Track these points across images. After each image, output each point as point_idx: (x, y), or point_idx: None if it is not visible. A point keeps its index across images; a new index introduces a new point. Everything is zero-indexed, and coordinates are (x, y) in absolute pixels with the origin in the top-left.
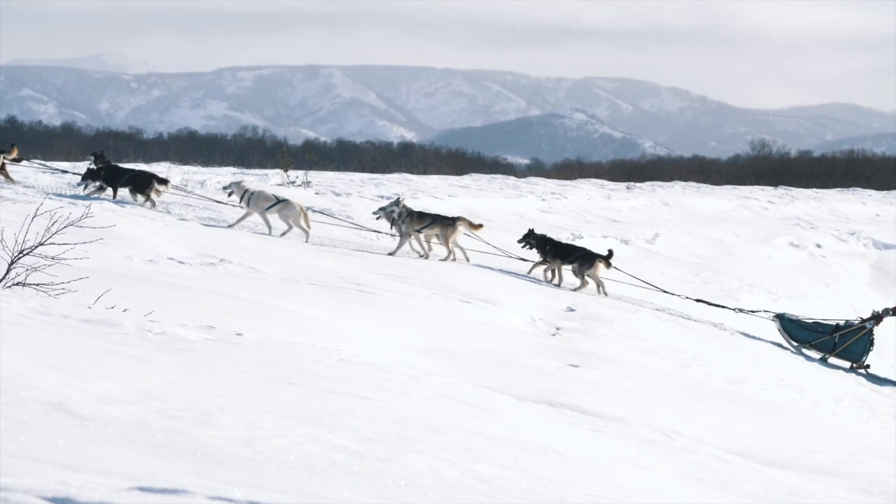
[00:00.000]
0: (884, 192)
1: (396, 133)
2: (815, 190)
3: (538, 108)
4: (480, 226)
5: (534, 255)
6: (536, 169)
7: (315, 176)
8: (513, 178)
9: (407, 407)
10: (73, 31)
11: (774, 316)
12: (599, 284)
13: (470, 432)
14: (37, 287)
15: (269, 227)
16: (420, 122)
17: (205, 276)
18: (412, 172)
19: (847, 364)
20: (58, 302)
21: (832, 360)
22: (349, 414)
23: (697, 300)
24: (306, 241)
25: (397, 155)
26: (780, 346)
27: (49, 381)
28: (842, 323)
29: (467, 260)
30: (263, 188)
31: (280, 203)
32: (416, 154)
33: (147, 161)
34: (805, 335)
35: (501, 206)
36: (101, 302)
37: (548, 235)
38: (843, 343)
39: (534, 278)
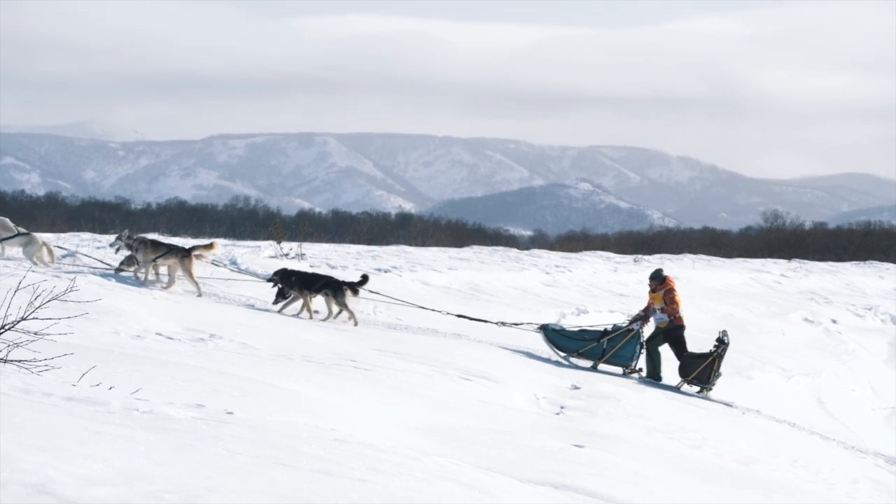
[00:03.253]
0: None
1: (394, 203)
2: (830, 263)
3: (542, 177)
4: (212, 245)
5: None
6: (540, 241)
7: (310, 248)
8: (515, 250)
9: (404, 489)
10: (57, 97)
11: (538, 328)
12: (350, 314)
13: None
14: (19, 363)
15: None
16: (419, 192)
17: (194, 352)
18: (411, 244)
19: (619, 370)
20: (41, 379)
21: (602, 366)
22: (344, 496)
23: (459, 315)
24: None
25: (395, 226)
26: (793, 425)
27: (31, 462)
28: (609, 328)
29: (199, 294)
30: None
31: (21, 237)
32: (415, 225)
33: (135, 232)
34: (572, 344)
35: (503, 280)
36: (86, 379)
37: (289, 269)
38: (611, 348)
39: (536, 355)
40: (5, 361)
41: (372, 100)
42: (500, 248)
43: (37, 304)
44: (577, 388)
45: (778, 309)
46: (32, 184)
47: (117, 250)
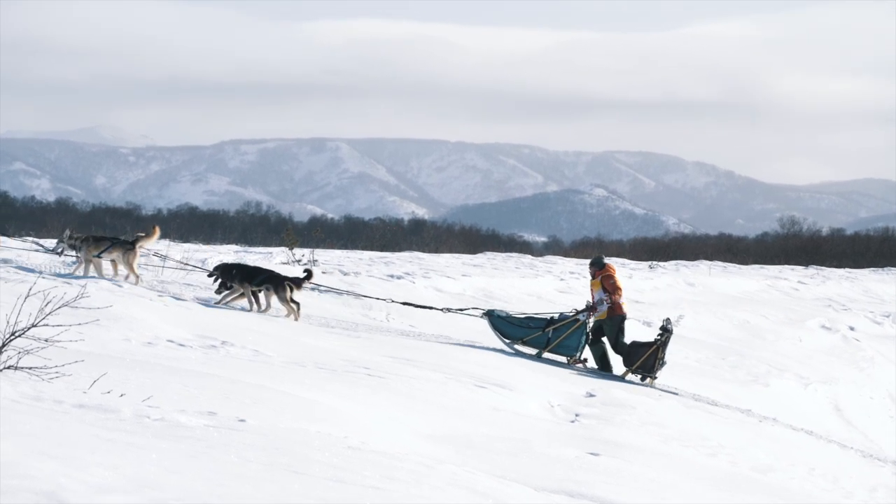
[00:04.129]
0: None
1: (407, 209)
2: (847, 270)
3: (556, 183)
4: (154, 230)
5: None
6: (554, 247)
7: (322, 254)
8: (529, 256)
9: (418, 497)
10: (67, 102)
11: (483, 314)
12: (290, 311)
13: None
14: (29, 371)
15: None
16: (432, 198)
17: (206, 360)
18: (424, 250)
19: (563, 359)
20: (51, 386)
21: (547, 355)
22: None
23: (404, 303)
24: None
25: (408, 232)
26: (811, 433)
27: (42, 470)
28: (556, 316)
29: (136, 283)
30: None
31: None
32: (428, 231)
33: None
34: (517, 331)
35: (517, 286)
36: (96, 386)
37: (229, 262)
38: (556, 337)
39: (551, 361)
40: (16, 368)
41: (384, 105)
42: (514, 255)
43: (47, 310)
44: (592, 395)
45: (795, 316)
46: (42, 189)
47: (61, 252)
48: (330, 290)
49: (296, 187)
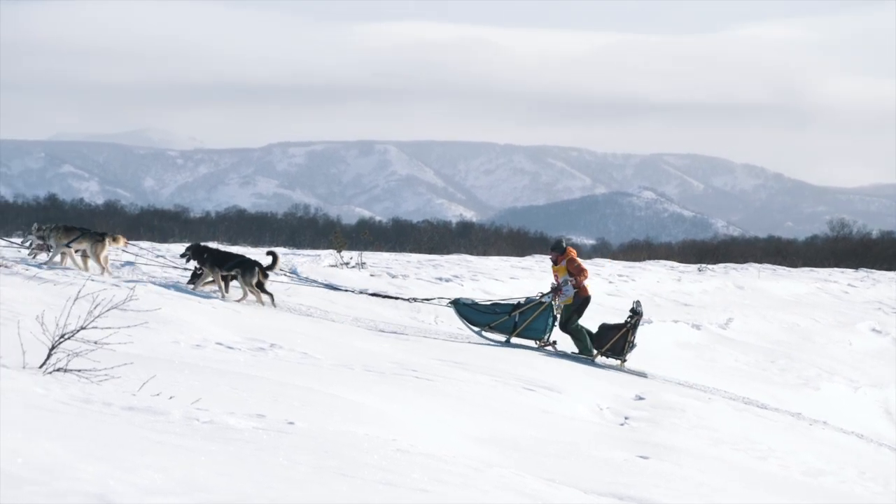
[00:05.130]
0: None
1: (455, 212)
2: None
3: (604, 185)
4: (119, 240)
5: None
6: (602, 250)
7: (370, 257)
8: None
9: (466, 500)
10: (115, 104)
11: (449, 302)
12: (258, 296)
13: None
14: (79, 373)
15: None
16: (480, 201)
17: (254, 362)
18: (472, 253)
19: (534, 343)
20: (100, 388)
21: (515, 339)
22: None
23: (373, 294)
24: None
25: (456, 235)
26: (861, 437)
27: (91, 473)
28: (522, 301)
29: (103, 272)
30: None
31: None
32: (476, 234)
33: (194, 241)
34: (484, 318)
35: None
36: (145, 389)
37: (203, 244)
38: (523, 321)
39: (601, 364)
40: (65, 371)
41: (432, 107)
42: None
43: (96, 312)
44: (641, 398)
45: (845, 319)
46: (91, 192)
47: (30, 245)
48: (300, 282)
49: (344, 190)
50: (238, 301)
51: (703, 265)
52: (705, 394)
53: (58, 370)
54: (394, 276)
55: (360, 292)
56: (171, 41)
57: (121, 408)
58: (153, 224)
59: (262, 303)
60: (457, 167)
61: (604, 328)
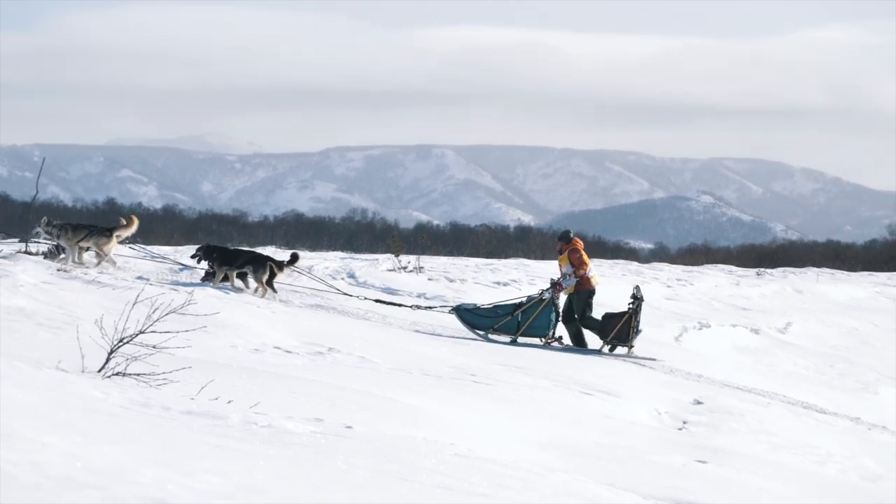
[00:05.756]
0: None
1: (513, 216)
2: None
3: (663, 190)
4: (131, 222)
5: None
6: (661, 254)
7: (427, 261)
8: (636, 263)
9: None
10: (173, 109)
11: (451, 310)
12: (265, 292)
13: None
14: (137, 377)
15: None
16: (538, 205)
17: (312, 366)
18: (530, 257)
19: (539, 341)
20: (159, 392)
21: (522, 339)
22: None
23: (377, 300)
24: None
25: (514, 239)
26: None
27: (150, 477)
28: (524, 300)
29: (114, 266)
30: None
31: None
32: (534, 238)
33: (252, 245)
34: (487, 321)
35: (624, 293)
36: (204, 393)
37: (212, 244)
38: (525, 320)
39: (658, 370)
40: (124, 375)
41: (490, 111)
42: (621, 262)
43: (155, 317)
44: (699, 403)
45: None
46: (150, 196)
47: (37, 235)
48: (309, 280)
49: (401, 194)
50: (253, 295)
51: (762, 269)
52: (764, 398)
53: (117, 374)
54: (451, 281)
55: (364, 298)
56: (229, 46)
57: (179, 412)
58: (211, 228)
59: (269, 298)
60: (515, 171)
61: (607, 317)
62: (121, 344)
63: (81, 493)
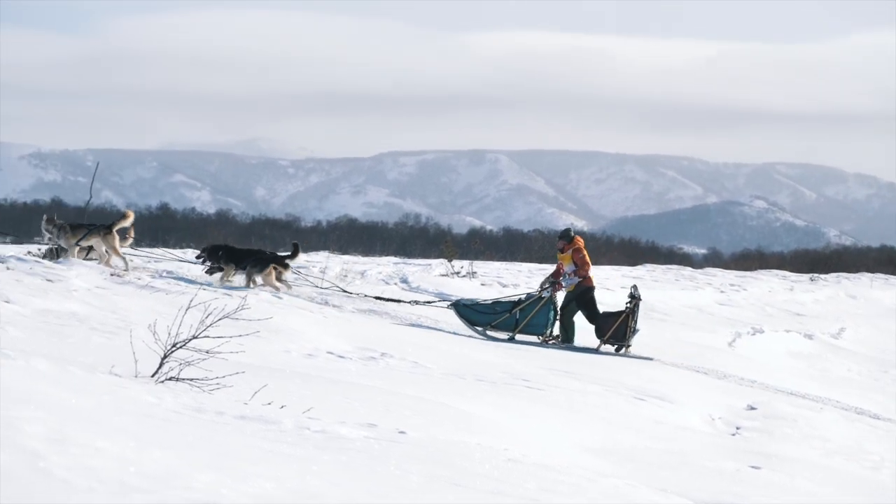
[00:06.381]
0: None
1: (566, 221)
2: None
3: (716, 195)
4: (125, 215)
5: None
6: (714, 259)
7: (481, 266)
8: (689, 268)
9: None
10: (226, 114)
11: (450, 305)
12: (274, 289)
13: None
14: (191, 382)
15: None
16: (591, 210)
17: (366, 371)
18: None
19: (536, 339)
20: (212, 398)
21: (520, 336)
22: None
23: (377, 297)
24: None
25: None
26: None
27: (203, 482)
28: (523, 297)
29: (126, 268)
30: None
31: None
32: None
33: (305, 250)
34: (485, 318)
35: (677, 299)
36: (257, 398)
37: (217, 244)
38: (524, 318)
39: (713, 373)
40: (177, 380)
41: (542, 116)
42: (674, 267)
43: (208, 322)
44: (753, 408)
45: None
46: (203, 201)
47: (44, 236)
48: (314, 280)
49: (454, 199)
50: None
51: (816, 275)
52: (817, 403)
53: (170, 379)
54: (504, 286)
55: (364, 296)
56: (282, 51)
57: (233, 417)
58: (264, 233)
59: (280, 292)
60: (568, 176)
61: (604, 316)
62: (174, 349)
63: (135, 498)
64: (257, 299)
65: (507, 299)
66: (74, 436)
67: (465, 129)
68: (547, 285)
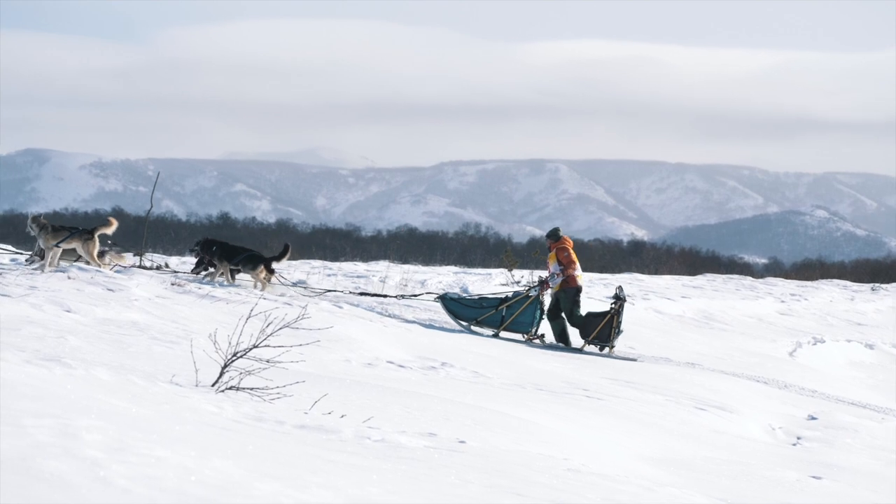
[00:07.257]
0: None
1: (626, 230)
2: None
3: (776, 204)
4: (109, 223)
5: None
6: (775, 269)
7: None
8: (749, 278)
9: None
10: (286, 123)
11: (436, 298)
12: (263, 286)
13: None
14: (251, 391)
15: None
16: (651, 220)
17: (426, 381)
18: (643, 272)
19: (521, 337)
20: (273, 407)
21: (504, 333)
22: None
23: (361, 293)
24: None
25: (627, 253)
26: None
27: (263, 490)
28: (510, 295)
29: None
30: None
31: None
32: (647, 252)
33: (365, 259)
34: (471, 312)
35: (738, 308)
36: (317, 407)
37: (211, 238)
38: (510, 315)
39: (774, 382)
40: (238, 389)
41: (601, 125)
42: (735, 276)
43: (268, 331)
44: (814, 418)
45: None
46: (263, 211)
47: (31, 256)
48: (283, 282)
49: (515, 208)
50: (254, 289)
51: (877, 284)
52: (878, 413)
53: (230, 388)
54: None
55: (350, 292)
56: (341, 60)
57: (293, 426)
58: (325, 243)
59: (264, 290)
60: (627, 186)
61: (589, 316)
62: (234, 358)
63: None
64: (317, 308)
65: (493, 296)
66: (134, 445)
67: (524, 138)
68: (535, 284)
